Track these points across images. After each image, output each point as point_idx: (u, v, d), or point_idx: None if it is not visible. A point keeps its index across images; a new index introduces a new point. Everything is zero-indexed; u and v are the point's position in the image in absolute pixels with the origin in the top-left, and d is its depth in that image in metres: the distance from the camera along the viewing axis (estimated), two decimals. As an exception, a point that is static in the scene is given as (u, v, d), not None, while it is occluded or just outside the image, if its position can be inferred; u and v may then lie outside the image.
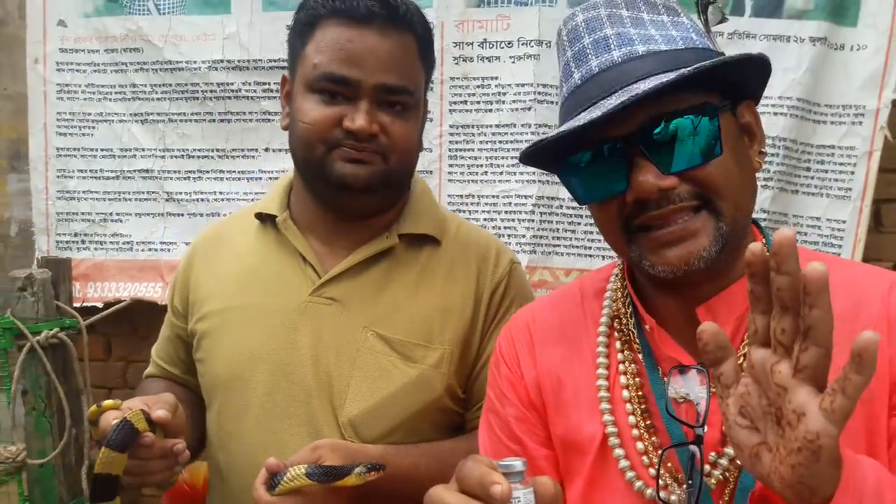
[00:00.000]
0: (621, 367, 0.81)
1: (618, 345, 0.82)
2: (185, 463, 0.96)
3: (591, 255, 2.16)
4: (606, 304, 0.85)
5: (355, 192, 1.01)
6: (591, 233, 2.17)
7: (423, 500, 0.76)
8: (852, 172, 2.10)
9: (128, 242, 2.30)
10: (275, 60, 2.17)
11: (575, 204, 2.14)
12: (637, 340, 0.80)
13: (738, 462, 0.71)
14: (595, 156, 0.75)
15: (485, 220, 2.18)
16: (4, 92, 2.45)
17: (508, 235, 2.18)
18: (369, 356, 1.03)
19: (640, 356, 0.80)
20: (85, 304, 2.27)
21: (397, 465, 0.97)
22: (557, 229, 2.17)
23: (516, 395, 0.86)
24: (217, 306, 1.10)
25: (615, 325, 0.83)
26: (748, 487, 0.71)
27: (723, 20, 0.80)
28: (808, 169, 2.13)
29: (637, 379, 0.79)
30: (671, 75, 0.69)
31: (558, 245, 2.18)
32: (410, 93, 1.02)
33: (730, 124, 0.76)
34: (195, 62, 2.22)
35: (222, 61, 2.20)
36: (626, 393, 0.79)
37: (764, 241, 0.83)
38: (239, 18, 2.18)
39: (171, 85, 2.24)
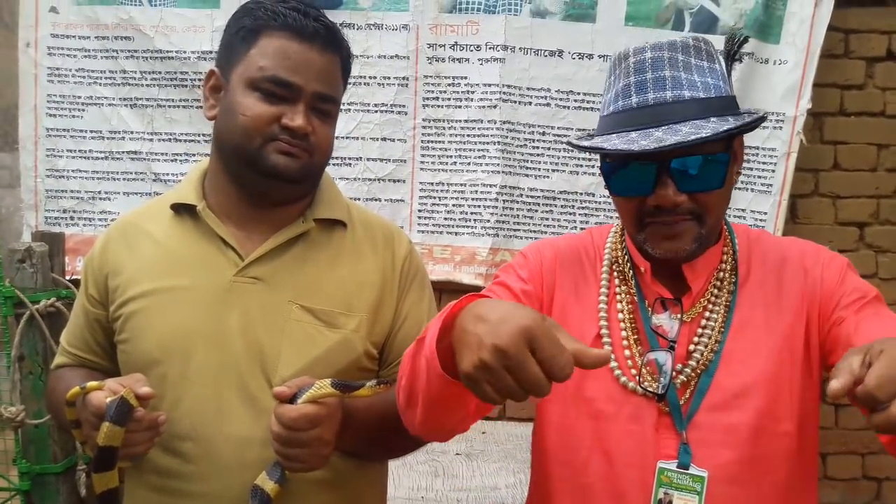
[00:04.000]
0: (619, 296, 1.09)
1: (616, 281, 1.11)
2: (162, 434, 1.09)
3: (546, 239, 2.42)
4: (607, 253, 1.15)
5: (283, 182, 1.14)
6: (547, 219, 2.43)
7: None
8: (773, 171, 2.41)
9: (116, 219, 2.42)
10: (261, 53, 2.34)
11: (533, 194, 2.40)
12: (631, 280, 1.10)
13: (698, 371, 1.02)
14: (631, 165, 1.01)
15: (453, 205, 2.41)
16: None
17: (474, 220, 2.41)
18: (296, 326, 1.15)
19: (632, 291, 1.09)
20: (74, 277, 2.39)
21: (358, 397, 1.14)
22: (518, 216, 2.42)
23: (532, 282, 1.13)
24: (143, 289, 1.17)
25: (614, 267, 1.12)
26: (704, 390, 1.00)
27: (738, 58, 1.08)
28: (736, 167, 2.43)
29: (630, 306, 1.08)
30: (706, 131, 0.94)
31: (518, 230, 2.43)
32: (335, 102, 1.21)
33: (729, 163, 1.03)
34: (185, 52, 2.37)
35: (211, 52, 2.35)
36: (620, 315, 1.08)
37: (727, 231, 1.11)
38: (227, 13, 2.32)
39: (160, 72, 2.38)
